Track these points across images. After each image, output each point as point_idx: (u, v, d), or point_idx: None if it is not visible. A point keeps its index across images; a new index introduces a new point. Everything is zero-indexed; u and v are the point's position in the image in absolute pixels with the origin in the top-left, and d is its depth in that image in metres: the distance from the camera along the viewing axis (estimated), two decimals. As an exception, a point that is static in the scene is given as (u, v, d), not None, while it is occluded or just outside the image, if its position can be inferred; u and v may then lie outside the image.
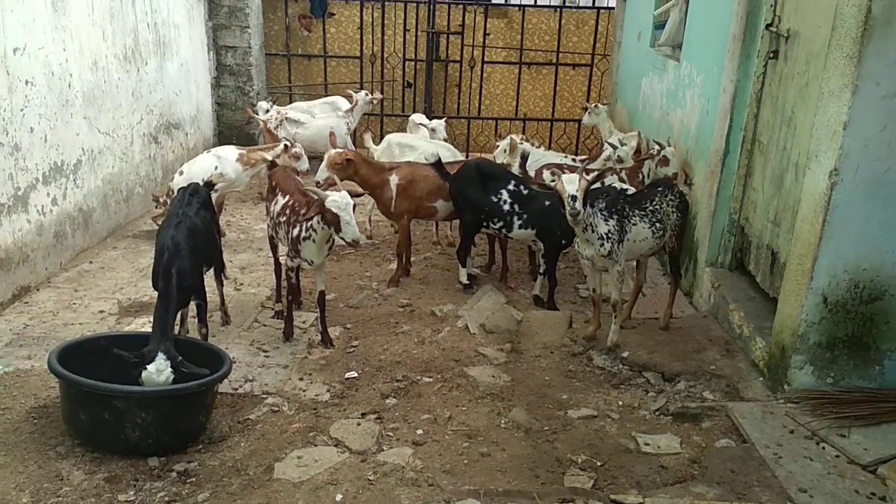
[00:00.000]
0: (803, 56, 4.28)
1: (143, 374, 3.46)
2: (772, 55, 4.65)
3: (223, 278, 4.88)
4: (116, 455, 3.44)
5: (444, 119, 7.45)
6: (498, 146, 6.60)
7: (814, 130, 3.81)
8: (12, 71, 4.83)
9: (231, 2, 8.49)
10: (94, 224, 6.05)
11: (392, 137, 6.79)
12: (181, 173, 5.87)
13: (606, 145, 6.19)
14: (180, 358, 3.53)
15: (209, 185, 4.67)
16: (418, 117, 7.60)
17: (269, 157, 5.90)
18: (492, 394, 4.06)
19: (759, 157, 4.80)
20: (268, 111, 7.57)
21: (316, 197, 4.20)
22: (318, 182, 5.24)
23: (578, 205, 3.98)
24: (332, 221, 4.13)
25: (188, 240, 3.95)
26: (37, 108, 5.14)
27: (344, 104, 8.15)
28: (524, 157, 5.51)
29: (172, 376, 3.48)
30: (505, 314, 4.99)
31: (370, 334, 4.75)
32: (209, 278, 4.45)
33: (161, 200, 6.04)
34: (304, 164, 6.17)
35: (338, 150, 5.30)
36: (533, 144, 6.71)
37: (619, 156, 5.77)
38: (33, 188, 5.16)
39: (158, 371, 3.46)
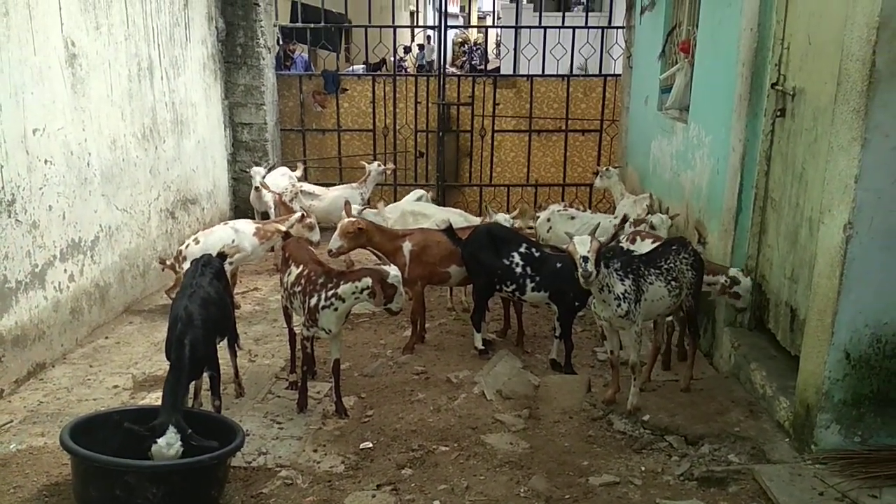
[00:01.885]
0: (810, 112, 4.30)
1: (154, 447, 3.41)
2: (779, 113, 4.68)
3: (237, 349, 4.86)
4: (127, 533, 3.37)
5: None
6: (539, 217, 6.65)
7: (825, 185, 3.79)
8: (32, 151, 4.95)
9: (247, 81, 8.73)
10: (111, 299, 6.09)
11: (406, 206, 6.86)
12: (196, 242, 5.92)
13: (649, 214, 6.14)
14: (190, 431, 3.48)
15: (222, 256, 4.71)
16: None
17: (283, 228, 5.97)
18: (510, 462, 3.96)
19: (772, 214, 4.78)
20: (264, 177, 7.66)
21: (345, 270, 4.39)
22: (332, 251, 5.28)
23: (590, 266, 3.96)
24: (390, 295, 4.20)
25: (201, 310, 3.96)
26: (55, 186, 5.25)
27: (288, 171, 8.17)
28: (625, 220, 5.53)
29: (182, 450, 3.43)
30: (522, 379, 4.91)
31: (385, 403, 4.68)
32: (223, 349, 4.44)
33: (168, 264, 6.04)
34: (315, 236, 6.23)
35: (350, 218, 5.34)
36: (578, 209, 6.75)
37: (651, 223, 5.73)
38: (51, 265, 5.22)
39: (168, 445, 3.41)
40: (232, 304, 4.78)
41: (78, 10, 5.51)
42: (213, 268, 4.39)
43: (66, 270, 5.40)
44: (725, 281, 4.78)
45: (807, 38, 4.38)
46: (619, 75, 9.16)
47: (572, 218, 6.32)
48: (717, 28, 5.62)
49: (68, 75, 5.41)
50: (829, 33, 4.08)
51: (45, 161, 5.12)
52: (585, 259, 3.95)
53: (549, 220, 6.48)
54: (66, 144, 5.39)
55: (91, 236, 5.75)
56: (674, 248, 4.56)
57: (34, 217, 5.00)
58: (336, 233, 5.29)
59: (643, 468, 3.88)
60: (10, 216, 4.74)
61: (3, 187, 4.66)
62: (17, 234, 4.83)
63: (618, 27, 9.42)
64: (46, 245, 5.16)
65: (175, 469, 3.40)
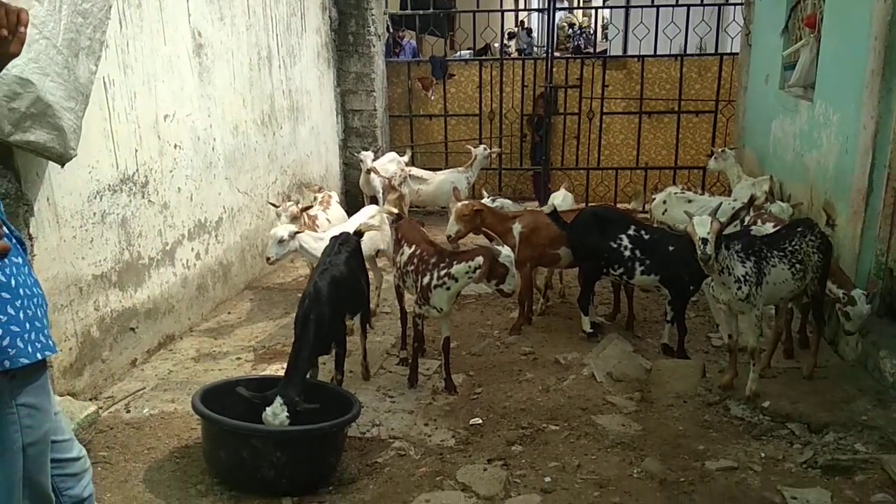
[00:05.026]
0: (951, 85, 4.02)
1: (263, 415, 3.57)
2: (915, 87, 4.39)
3: (367, 329, 4.97)
4: (253, 494, 3.55)
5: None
6: (654, 199, 6.55)
7: (968, 161, 3.54)
8: (163, 136, 5.25)
9: (358, 69, 8.94)
10: (233, 277, 6.40)
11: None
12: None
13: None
14: (297, 399, 3.60)
15: (359, 234, 4.82)
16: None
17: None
18: (622, 443, 3.92)
19: (906, 195, 4.50)
20: (373, 160, 7.78)
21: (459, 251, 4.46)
22: (450, 236, 5.32)
23: (709, 248, 3.84)
24: (500, 275, 4.22)
25: (331, 287, 4.07)
26: (184, 169, 5.55)
27: (396, 157, 8.23)
28: (752, 200, 5.25)
29: (288, 420, 3.55)
30: (633, 363, 4.84)
31: (493, 381, 4.72)
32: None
33: (276, 210, 5.82)
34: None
35: (464, 202, 5.39)
36: (695, 191, 6.58)
37: (770, 211, 5.45)
38: (179, 244, 5.53)
39: (274, 414, 3.55)
40: (367, 284, 4.84)
41: (204, 2, 5.78)
42: (350, 246, 4.53)
43: (192, 249, 5.72)
44: (843, 297, 4.48)
45: (948, 6, 4.09)
46: (737, 54, 8.80)
47: (689, 201, 6.13)
48: (846, 0, 5.31)
49: (195, 64, 5.69)
50: (975, -1, 3.80)
51: (175, 146, 5.42)
52: (705, 241, 3.84)
53: (664, 202, 6.32)
54: (194, 130, 5.69)
55: (215, 217, 6.06)
56: (799, 229, 4.37)
57: (165, 198, 5.31)
58: (452, 217, 5.33)
59: (763, 454, 3.76)
60: (143, 196, 5.06)
61: (137, 170, 4.97)
62: (150, 213, 5.15)
63: (736, 3, 9.05)
64: (175, 224, 5.48)
65: (298, 435, 3.55)
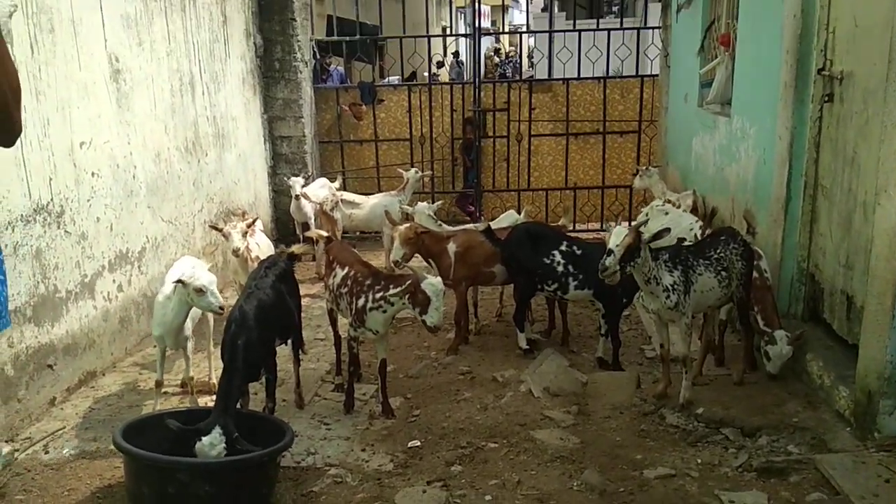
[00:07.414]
0: (860, 95, 4.20)
1: (197, 445, 3.41)
2: (826, 98, 4.57)
3: (300, 355, 4.84)
4: (180, 531, 3.38)
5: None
6: (642, 211, 6.54)
7: (880, 165, 3.69)
8: (79, 164, 5.05)
9: (285, 95, 8.84)
10: (158, 309, 6.16)
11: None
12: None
13: None
14: (237, 435, 3.47)
15: (292, 256, 4.67)
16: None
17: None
18: (561, 456, 3.90)
19: (823, 202, 4.66)
20: (303, 187, 7.69)
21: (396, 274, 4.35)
22: (397, 261, 5.18)
23: (610, 260, 3.85)
24: (422, 303, 4.08)
25: (257, 312, 3.94)
26: (102, 198, 5.34)
27: (327, 182, 8.19)
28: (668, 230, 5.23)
29: (225, 452, 3.42)
30: (569, 377, 4.84)
31: (431, 403, 4.65)
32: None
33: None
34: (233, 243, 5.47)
35: (406, 225, 5.33)
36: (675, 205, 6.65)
37: None
38: (99, 275, 5.30)
39: (212, 445, 3.41)
40: (299, 309, 4.70)
41: (121, 27, 5.62)
42: (278, 269, 4.40)
43: (114, 281, 5.49)
44: (766, 337, 4.52)
45: (853, 21, 4.29)
46: (657, 75, 9.07)
47: (666, 213, 6.19)
48: (758, 18, 5.53)
49: (113, 90, 5.52)
50: (876, 14, 3.99)
51: (93, 174, 5.22)
52: (609, 252, 3.87)
53: (647, 214, 6.34)
54: (113, 157, 5.49)
55: (138, 247, 5.84)
56: (723, 238, 4.47)
57: (82, 228, 5.10)
58: (397, 242, 5.19)
59: (699, 461, 3.79)
60: (59, 227, 4.84)
61: (52, 199, 4.76)
62: (67, 244, 4.92)
63: (653, 27, 9.34)
64: (95, 255, 5.25)
65: (227, 466, 3.40)
